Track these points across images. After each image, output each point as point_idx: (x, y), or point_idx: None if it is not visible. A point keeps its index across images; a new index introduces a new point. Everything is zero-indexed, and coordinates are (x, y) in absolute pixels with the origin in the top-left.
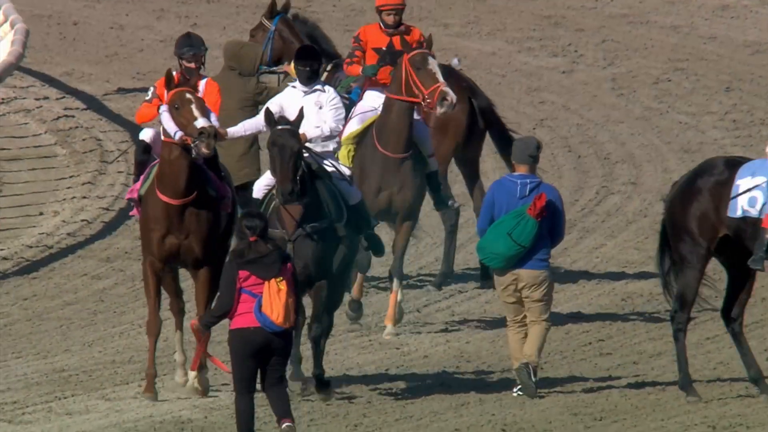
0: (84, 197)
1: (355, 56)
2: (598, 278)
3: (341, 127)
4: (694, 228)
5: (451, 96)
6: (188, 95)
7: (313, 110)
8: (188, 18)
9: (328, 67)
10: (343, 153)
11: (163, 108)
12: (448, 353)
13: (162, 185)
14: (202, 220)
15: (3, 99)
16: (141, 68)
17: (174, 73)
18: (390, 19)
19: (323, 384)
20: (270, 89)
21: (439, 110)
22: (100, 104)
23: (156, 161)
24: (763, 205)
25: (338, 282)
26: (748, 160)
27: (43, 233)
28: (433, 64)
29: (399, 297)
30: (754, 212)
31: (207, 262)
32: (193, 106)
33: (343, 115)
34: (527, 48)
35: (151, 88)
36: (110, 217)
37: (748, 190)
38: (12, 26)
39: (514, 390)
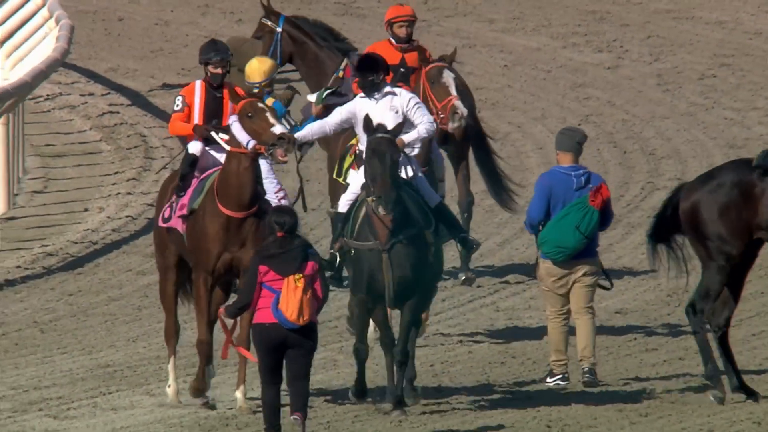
0: (129, 193)
1: None
2: (643, 274)
3: (435, 126)
4: (726, 229)
5: (462, 110)
6: (260, 104)
7: (390, 115)
8: (233, 14)
9: (343, 65)
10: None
11: (233, 118)
12: (492, 349)
13: (225, 198)
14: (258, 231)
15: (48, 95)
16: (186, 64)
17: (234, 87)
18: (402, 32)
19: (400, 401)
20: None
21: (451, 125)
22: (145, 100)
23: (203, 175)
24: None
25: (427, 295)
26: None
27: (87, 229)
28: (447, 77)
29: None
30: None
31: None
32: (268, 114)
33: (429, 116)
34: (572, 43)
35: (179, 98)
36: (154, 213)
37: None
38: (57, 22)
39: (549, 381)
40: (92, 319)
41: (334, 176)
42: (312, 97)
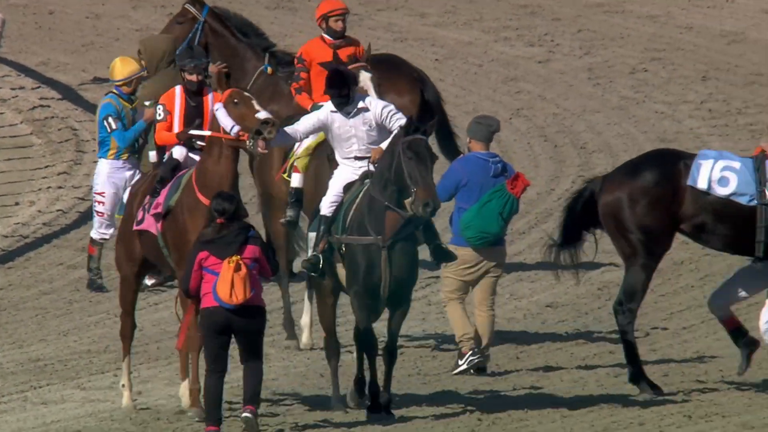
0: (60, 187)
1: (301, 79)
2: (575, 268)
3: None
4: (653, 223)
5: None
6: (247, 93)
7: (363, 130)
8: (164, 7)
9: (267, 60)
10: (301, 164)
11: (219, 105)
12: (423, 343)
13: (205, 189)
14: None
15: None
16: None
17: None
18: (339, 26)
19: (388, 411)
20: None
21: None
22: (76, 94)
23: (177, 174)
24: (735, 189)
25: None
26: (681, 152)
27: (18, 223)
28: (365, 79)
29: None
30: (722, 192)
31: None
32: (254, 102)
33: (403, 116)
34: (504, 37)
35: (160, 107)
36: (86, 206)
37: (721, 169)
38: None
39: (461, 363)
40: (23, 313)
41: (283, 175)
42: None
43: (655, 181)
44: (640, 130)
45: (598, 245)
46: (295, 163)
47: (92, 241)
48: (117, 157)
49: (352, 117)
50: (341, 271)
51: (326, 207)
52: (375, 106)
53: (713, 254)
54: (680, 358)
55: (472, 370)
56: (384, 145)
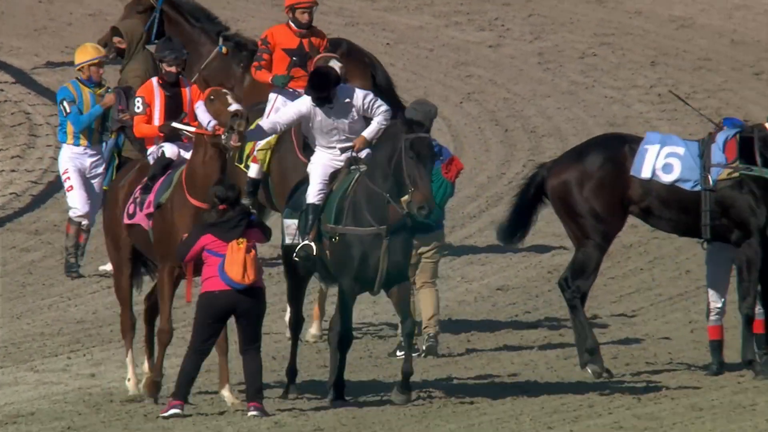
0: (13, 171)
1: (263, 59)
2: (525, 251)
3: (390, 111)
4: (601, 206)
5: None
6: (224, 90)
7: (346, 122)
8: None
9: (222, 43)
10: (260, 156)
11: (199, 103)
12: (376, 332)
13: (192, 189)
14: None
15: None
16: (70, 42)
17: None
18: (305, 18)
19: (407, 385)
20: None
21: None
22: (29, 78)
23: (167, 173)
24: (679, 176)
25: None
26: (627, 135)
27: None
28: (335, 68)
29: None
30: (666, 178)
31: None
32: (229, 97)
33: (384, 104)
34: (454, 22)
35: (138, 99)
36: (39, 190)
37: (666, 155)
38: None
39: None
40: None
41: (236, 163)
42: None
43: (600, 164)
44: (589, 115)
45: (547, 229)
46: (255, 154)
47: (69, 219)
48: (76, 143)
49: (335, 111)
50: (327, 259)
51: (314, 195)
52: (356, 97)
53: (662, 237)
54: (629, 340)
55: (423, 354)
56: (367, 133)
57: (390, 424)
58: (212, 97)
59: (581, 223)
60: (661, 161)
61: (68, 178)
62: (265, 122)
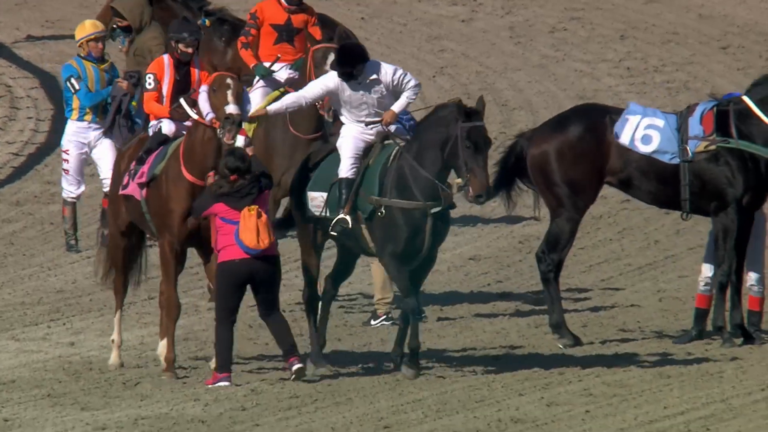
0: None
1: (250, 35)
2: (496, 222)
3: (419, 85)
4: (579, 176)
5: None
6: (228, 80)
7: (374, 98)
8: None
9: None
10: (248, 127)
11: (203, 88)
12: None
13: (190, 165)
14: None
15: None
16: (50, 16)
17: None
18: None
19: (415, 360)
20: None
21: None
22: (10, 52)
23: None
24: (657, 147)
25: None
26: (608, 107)
27: None
28: (331, 61)
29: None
30: (644, 149)
31: None
32: (229, 92)
33: (413, 79)
34: None
35: (150, 76)
36: (20, 162)
37: (645, 127)
38: None
39: (374, 323)
40: None
41: None
42: None
43: (580, 135)
44: (560, 88)
45: (518, 199)
46: (243, 126)
47: (63, 201)
48: (80, 118)
49: (363, 86)
50: (365, 232)
51: (347, 169)
52: (385, 73)
53: (631, 208)
54: (599, 309)
55: (393, 323)
56: (396, 107)
57: (365, 391)
58: (215, 87)
59: (557, 192)
60: (641, 132)
61: (66, 160)
62: (289, 97)
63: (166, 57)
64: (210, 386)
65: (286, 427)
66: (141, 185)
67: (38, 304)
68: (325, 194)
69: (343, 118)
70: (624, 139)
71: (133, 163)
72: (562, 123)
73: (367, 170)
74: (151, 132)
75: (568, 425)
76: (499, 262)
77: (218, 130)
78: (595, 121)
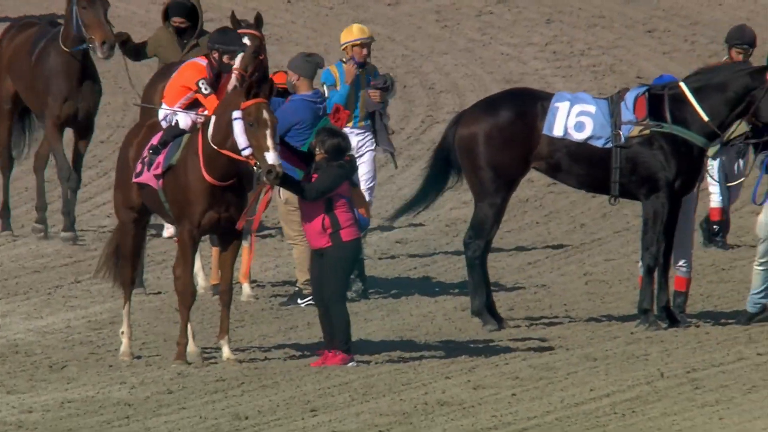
0: None
1: None
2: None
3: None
4: (506, 160)
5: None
6: (265, 114)
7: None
8: None
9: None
10: None
11: (237, 114)
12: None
13: (210, 168)
14: (243, 195)
15: None
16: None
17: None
18: None
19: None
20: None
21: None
22: None
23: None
24: (591, 133)
25: None
26: (539, 92)
27: None
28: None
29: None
30: (578, 136)
31: (240, 234)
32: (268, 132)
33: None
34: None
35: (202, 82)
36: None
37: (577, 114)
38: None
39: (300, 302)
40: None
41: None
42: None
43: (511, 120)
44: (486, 71)
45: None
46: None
47: None
48: None
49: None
50: None
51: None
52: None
53: (557, 191)
54: (525, 292)
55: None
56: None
57: (291, 375)
58: (252, 123)
59: (482, 176)
60: (573, 120)
61: None
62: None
63: (203, 62)
64: (347, 366)
65: (213, 410)
66: (157, 176)
67: None
68: None
69: None
70: (557, 131)
71: (146, 150)
72: (493, 105)
73: None
74: (164, 124)
75: (494, 408)
76: (425, 245)
77: (256, 171)
78: (527, 107)
